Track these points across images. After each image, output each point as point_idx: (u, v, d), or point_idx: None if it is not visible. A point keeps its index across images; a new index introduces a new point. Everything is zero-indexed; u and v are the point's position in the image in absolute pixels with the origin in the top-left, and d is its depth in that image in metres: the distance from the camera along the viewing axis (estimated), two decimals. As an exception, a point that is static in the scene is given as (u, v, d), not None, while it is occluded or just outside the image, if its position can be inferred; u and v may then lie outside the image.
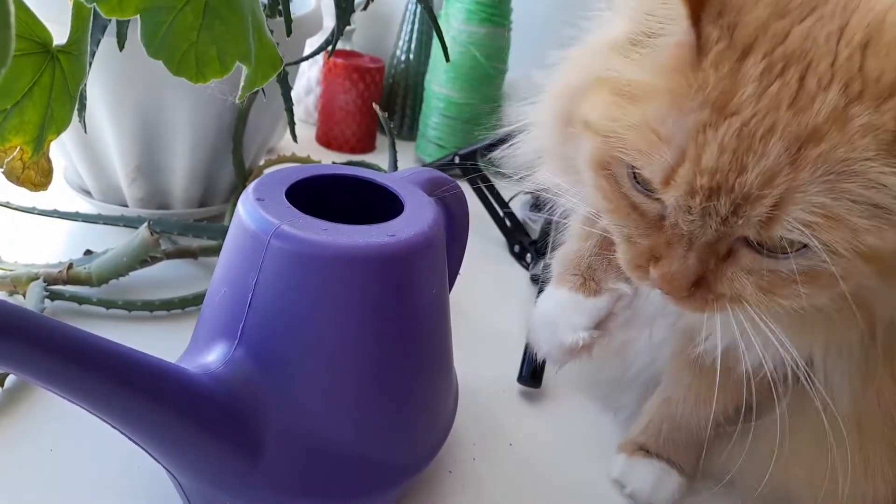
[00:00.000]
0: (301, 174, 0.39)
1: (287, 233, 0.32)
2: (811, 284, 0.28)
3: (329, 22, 0.58)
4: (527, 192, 0.81)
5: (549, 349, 0.41)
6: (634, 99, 0.29)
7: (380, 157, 0.86)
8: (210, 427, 0.30)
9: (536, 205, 0.80)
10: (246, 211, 0.34)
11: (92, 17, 0.22)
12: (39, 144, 0.22)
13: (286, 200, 0.35)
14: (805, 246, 0.27)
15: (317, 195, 0.39)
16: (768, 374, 0.34)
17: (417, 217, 0.36)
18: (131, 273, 0.52)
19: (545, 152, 0.42)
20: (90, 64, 0.45)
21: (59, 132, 0.23)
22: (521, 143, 0.43)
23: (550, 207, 0.44)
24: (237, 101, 0.23)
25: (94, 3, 0.21)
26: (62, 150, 0.60)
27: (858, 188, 0.26)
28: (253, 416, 0.32)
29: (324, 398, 0.34)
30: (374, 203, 0.40)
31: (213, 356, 0.33)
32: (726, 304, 0.30)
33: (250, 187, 0.36)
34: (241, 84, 0.23)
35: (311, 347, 0.33)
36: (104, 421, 0.28)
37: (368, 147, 0.91)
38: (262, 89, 0.54)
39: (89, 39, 0.23)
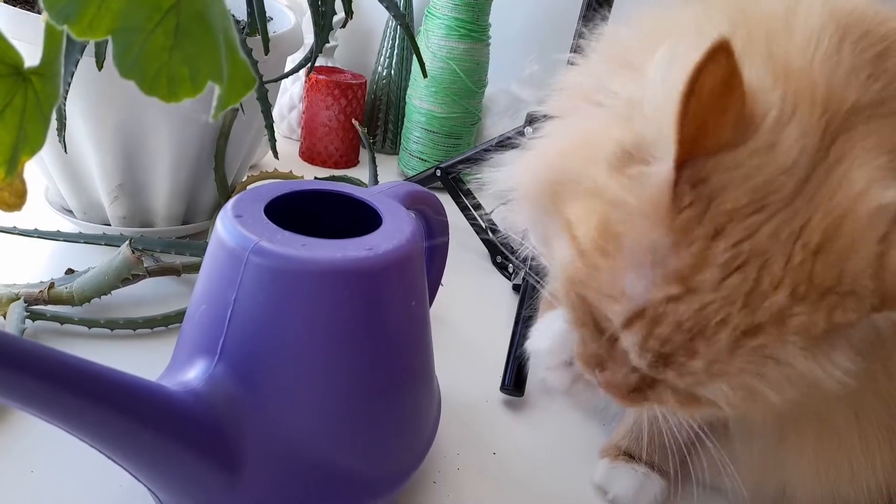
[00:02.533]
0: (280, 190, 0.39)
1: (265, 248, 0.33)
2: (718, 410, 0.32)
3: (310, 39, 0.58)
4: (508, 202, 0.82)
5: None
6: (609, 237, 0.31)
7: (363, 172, 0.87)
8: (190, 444, 0.30)
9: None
10: (224, 227, 0.34)
11: (66, 39, 0.22)
12: (13, 166, 0.22)
13: (265, 217, 0.36)
14: None
15: (296, 211, 0.40)
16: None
17: (396, 230, 0.37)
18: (114, 291, 0.52)
19: (520, 203, 0.43)
20: (69, 84, 0.46)
21: (32, 153, 0.23)
22: (497, 180, 0.44)
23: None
24: (210, 120, 0.23)
25: (65, 25, 0.21)
26: (43, 170, 0.60)
27: (776, 371, 0.29)
28: (233, 431, 0.32)
29: (304, 413, 0.34)
30: (354, 218, 0.41)
31: (194, 373, 0.33)
32: (649, 405, 0.35)
33: (229, 204, 0.36)
34: (214, 103, 0.23)
35: (290, 362, 0.33)
36: (83, 441, 0.28)
37: (352, 162, 0.92)
38: (242, 107, 0.55)
39: (63, 60, 0.23)
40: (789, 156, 0.29)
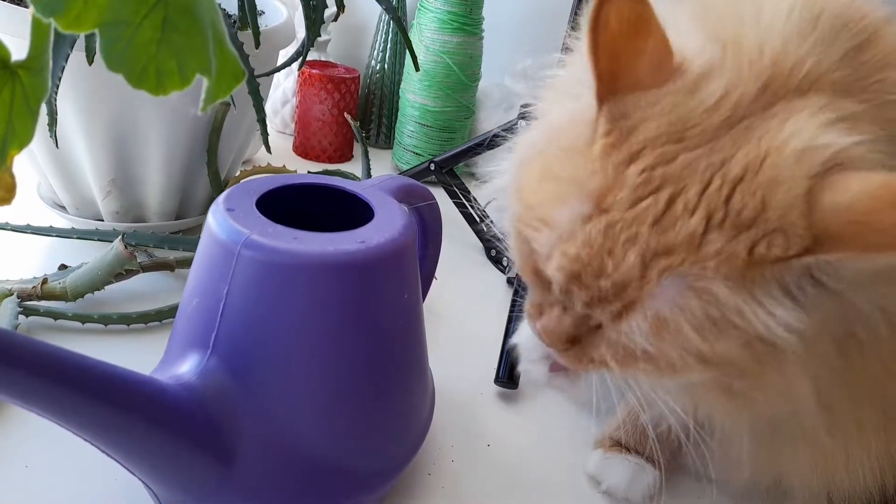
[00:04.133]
0: (272, 184, 0.39)
1: (257, 242, 0.33)
2: (655, 368, 0.31)
3: (302, 33, 0.58)
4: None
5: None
6: (545, 176, 0.32)
7: (357, 167, 0.87)
8: (183, 437, 0.30)
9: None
10: (216, 221, 0.34)
11: (56, 33, 0.22)
12: (1, 160, 0.22)
13: (256, 210, 0.36)
14: None
15: (288, 205, 0.40)
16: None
17: (388, 223, 0.37)
18: (107, 287, 0.52)
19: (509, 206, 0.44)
20: (59, 78, 0.46)
21: (21, 147, 0.23)
22: (491, 181, 0.45)
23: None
24: (199, 113, 0.23)
25: (52, 18, 0.21)
26: (35, 165, 0.60)
27: (697, 303, 0.28)
28: (226, 424, 0.32)
29: (296, 406, 0.34)
30: (346, 211, 0.41)
31: (187, 366, 0.33)
32: (595, 366, 0.33)
33: (221, 198, 0.36)
34: (202, 96, 0.23)
35: (283, 356, 0.33)
36: (77, 435, 0.28)
37: (345, 156, 0.91)
38: (233, 101, 0.55)
39: (51, 54, 0.23)
40: (710, 99, 0.30)
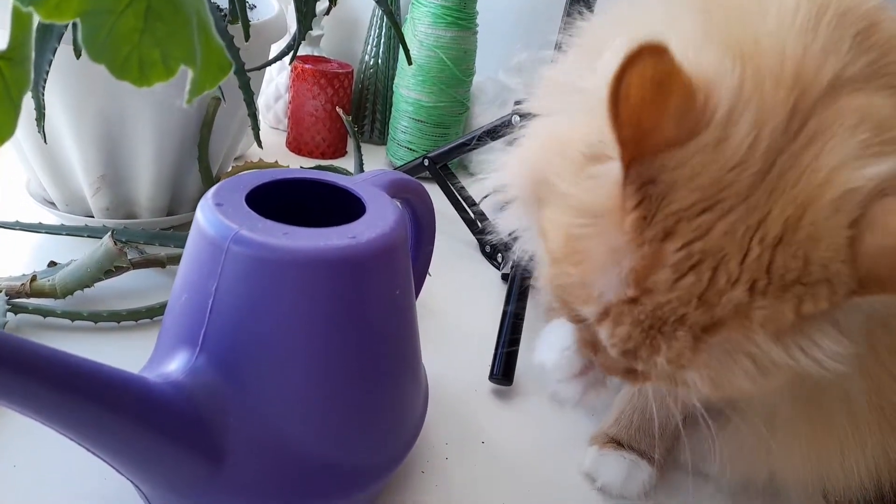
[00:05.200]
0: (262, 179, 0.39)
1: (246, 237, 0.32)
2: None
3: (294, 27, 0.57)
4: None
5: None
6: (571, 237, 0.32)
7: (350, 162, 0.86)
8: (171, 436, 0.30)
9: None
10: (205, 216, 0.34)
11: (40, 24, 0.21)
12: (-18, 152, 0.22)
13: (246, 205, 0.35)
14: None
15: (279, 200, 0.39)
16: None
17: (379, 219, 0.36)
18: (97, 284, 0.52)
19: (512, 205, 0.44)
20: (47, 73, 0.45)
21: (2, 141, 0.22)
22: (486, 186, 0.45)
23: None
24: (184, 105, 0.23)
25: (31, 7, 0.20)
26: (24, 162, 0.59)
27: (749, 362, 0.30)
28: (215, 422, 0.32)
29: (287, 403, 0.33)
30: (337, 206, 0.40)
31: (175, 364, 0.32)
32: (650, 383, 0.35)
33: (210, 192, 0.36)
34: (188, 88, 0.23)
35: (272, 352, 0.33)
36: (63, 434, 0.27)
37: (339, 152, 0.91)
38: (223, 94, 0.54)
39: (33, 44, 0.22)
40: (739, 150, 0.28)
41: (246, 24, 0.46)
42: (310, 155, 0.89)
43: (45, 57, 0.42)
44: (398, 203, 0.41)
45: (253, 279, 0.32)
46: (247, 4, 0.67)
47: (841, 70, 0.30)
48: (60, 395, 0.26)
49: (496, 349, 0.54)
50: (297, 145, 0.90)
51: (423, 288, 0.53)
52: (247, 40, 0.47)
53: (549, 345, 0.47)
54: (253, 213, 0.34)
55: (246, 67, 0.51)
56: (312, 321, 0.33)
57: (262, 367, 0.33)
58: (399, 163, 0.87)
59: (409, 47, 0.83)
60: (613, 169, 0.30)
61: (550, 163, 0.34)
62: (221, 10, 0.62)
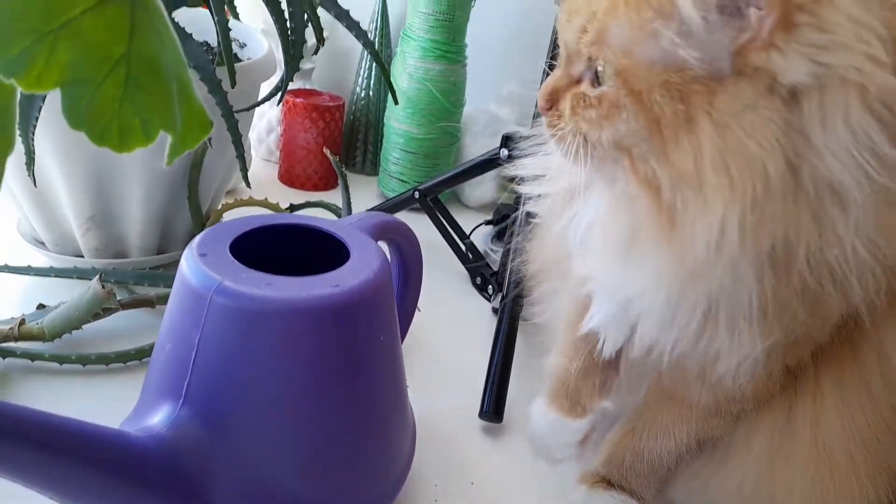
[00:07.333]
0: (247, 226, 0.39)
1: (229, 288, 0.32)
2: (602, 112, 0.32)
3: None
4: (487, 223, 0.83)
5: (546, 457, 0.46)
6: None
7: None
8: (154, 491, 0.30)
9: (498, 236, 0.81)
10: (188, 267, 0.34)
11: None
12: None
13: (230, 255, 0.35)
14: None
15: (266, 243, 0.39)
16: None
17: (363, 265, 0.37)
18: (86, 325, 0.52)
19: None
20: (36, 119, 0.45)
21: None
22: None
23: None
24: (165, 167, 0.23)
25: (13, 80, 0.21)
26: (14, 203, 0.59)
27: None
28: (200, 476, 0.32)
29: (272, 453, 0.33)
30: (322, 250, 0.40)
31: (158, 417, 0.32)
32: (558, 121, 0.35)
33: (194, 242, 0.36)
34: (167, 151, 0.23)
35: (257, 404, 0.33)
36: (44, 495, 0.27)
37: (331, 184, 0.91)
38: (210, 142, 0.55)
39: (17, 110, 0.23)
40: None
41: (232, 72, 0.47)
42: (302, 187, 0.90)
43: (34, 104, 0.43)
44: (386, 244, 0.42)
45: (236, 330, 0.32)
46: (237, 42, 0.68)
47: None
48: (41, 456, 0.26)
49: (486, 385, 0.54)
50: (289, 178, 0.90)
51: (413, 320, 0.53)
52: (233, 87, 0.48)
53: (561, 447, 0.45)
54: (237, 262, 0.35)
55: (235, 108, 0.51)
56: (297, 370, 0.33)
57: (247, 417, 0.33)
58: (391, 194, 0.87)
59: (399, 79, 0.84)
60: None
61: None
62: (212, 48, 0.63)
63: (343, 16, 0.48)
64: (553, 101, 0.36)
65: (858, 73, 0.27)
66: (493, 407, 0.53)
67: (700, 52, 0.29)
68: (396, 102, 0.55)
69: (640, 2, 0.30)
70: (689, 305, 0.33)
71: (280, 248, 0.40)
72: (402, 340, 0.48)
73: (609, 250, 0.36)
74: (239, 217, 0.41)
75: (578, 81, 0.35)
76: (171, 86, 0.24)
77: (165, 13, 0.25)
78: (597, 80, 0.33)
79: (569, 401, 0.44)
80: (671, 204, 0.31)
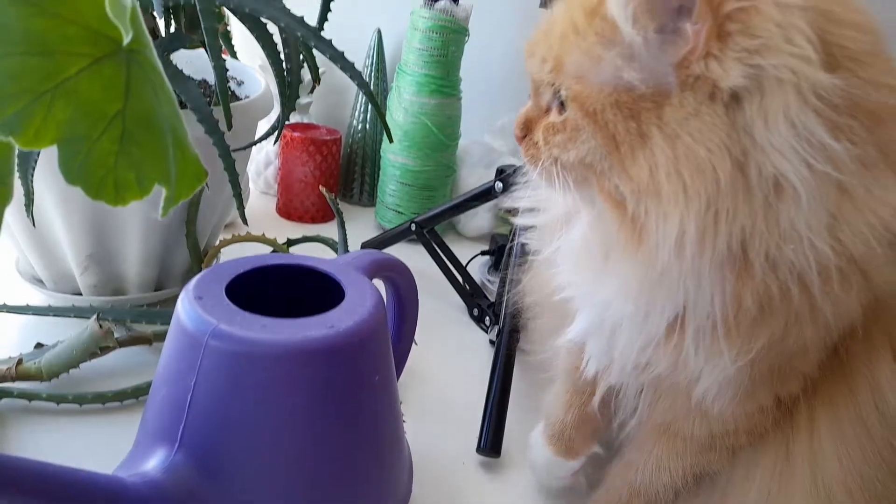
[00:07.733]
0: (242, 267, 0.39)
1: (224, 332, 0.33)
2: (567, 136, 0.34)
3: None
4: (483, 253, 0.83)
5: (545, 485, 0.51)
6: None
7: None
8: (147, 538, 0.30)
9: (495, 266, 0.82)
10: (184, 310, 0.35)
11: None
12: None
13: (225, 297, 0.36)
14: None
15: (261, 285, 0.40)
16: None
17: (358, 305, 0.37)
18: (84, 364, 0.52)
19: None
20: (35, 161, 0.46)
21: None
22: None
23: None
24: (160, 218, 0.24)
25: (10, 137, 0.21)
26: (13, 242, 0.60)
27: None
28: (194, 520, 0.32)
29: (267, 494, 0.33)
30: (318, 288, 0.41)
31: (153, 462, 0.32)
32: (534, 149, 0.37)
33: (190, 285, 0.37)
34: (161, 203, 0.23)
35: (252, 448, 0.33)
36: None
37: (328, 217, 0.92)
38: (206, 184, 0.56)
39: (15, 164, 0.23)
40: None
41: (228, 115, 0.48)
42: (300, 220, 0.90)
43: (30, 160, 0.44)
44: (381, 282, 0.42)
45: (232, 373, 0.33)
46: (235, 80, 0.69)
47: None
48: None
49: (483, 420, 0.54)
50: (286, 210, 0.91)
51: (410, 353, 0.53)
52: (229, 129, 0.49)
53: (558, 479, 0.49)
54: (232, 305, 0.35)
55: (232, 147, 0.52)
56: (292, 412, 0.33)
57: (242, 463, 0.33)
58: (388, 225, 0.88)
59: (395, 113, 0.85)
60: None
61: None
62: (210, 86, 0.64)
63: (338, 57, 0.49)
64: (527, 129, 0.38)
65: (791, 72, 0.28)
66: (491, 442, 0.52)
67: (643, 72, 0.31)
68: (391, 141, 0.56)
69: (587, 30, 0.32)
70: (657, 312, 0.35)
71: (276, 287, 0.41)
72: (399, 377, 0.48)
73: (587, 266, 0.38)
74: (237, 255, 0.41)
75: (548, 110, 0.37)
76: (166, 139, 0.25)
77: (161, 68, 0.26)
78: (562, 107, 0.35)
79: (564, 446, 0.48)
80: (635, 216, 0.33)
